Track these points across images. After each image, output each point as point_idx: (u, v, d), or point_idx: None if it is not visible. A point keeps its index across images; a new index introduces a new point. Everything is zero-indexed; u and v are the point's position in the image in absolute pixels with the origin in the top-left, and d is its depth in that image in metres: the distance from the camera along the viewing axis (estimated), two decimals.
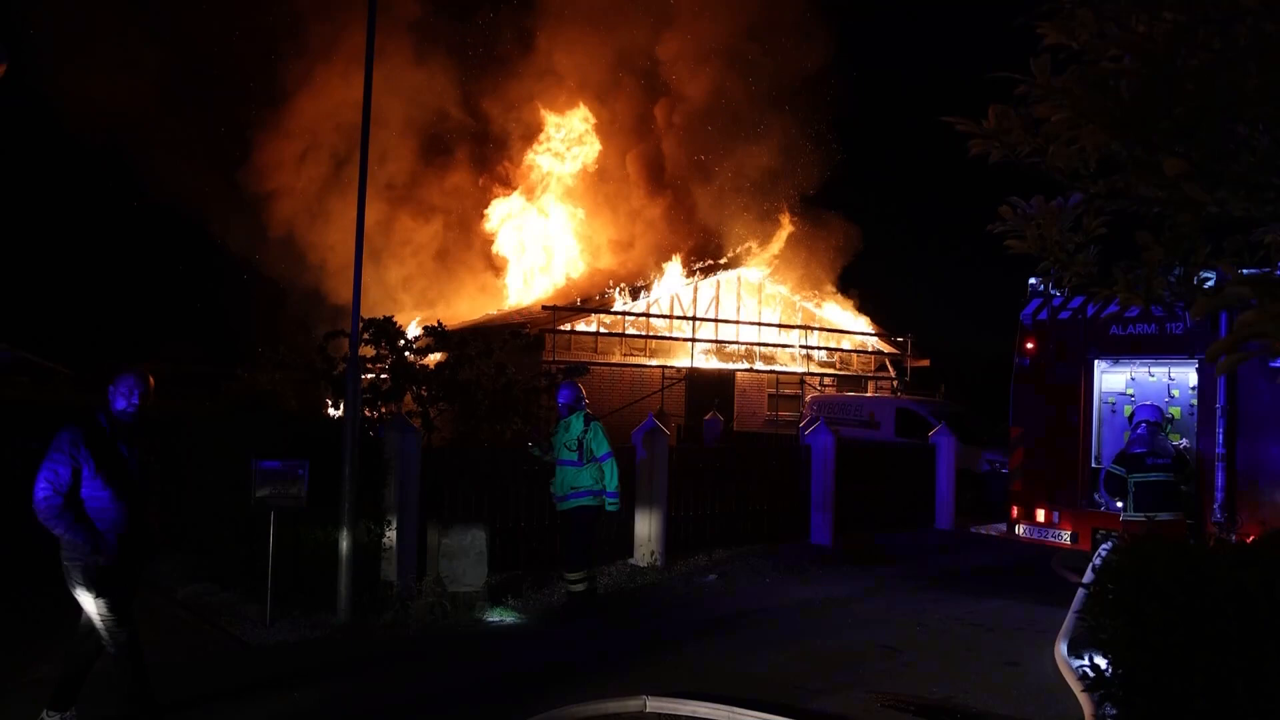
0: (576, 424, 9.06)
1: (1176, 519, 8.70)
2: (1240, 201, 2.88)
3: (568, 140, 34.43)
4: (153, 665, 6.98)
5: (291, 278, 32.37)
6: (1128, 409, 10.76)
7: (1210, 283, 3.38)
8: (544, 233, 34.09)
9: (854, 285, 30.46)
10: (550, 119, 34.51)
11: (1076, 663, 7.13)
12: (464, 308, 32.38)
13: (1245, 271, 3.10)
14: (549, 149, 34.61)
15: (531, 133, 34.76)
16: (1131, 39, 2.72)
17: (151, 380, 5.69)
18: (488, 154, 35.27)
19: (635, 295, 26.06)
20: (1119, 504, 9.18)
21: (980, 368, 26.60)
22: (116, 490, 5.45)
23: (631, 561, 11.23)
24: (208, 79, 32.68)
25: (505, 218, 34.37)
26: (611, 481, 8.95)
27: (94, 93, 30.18)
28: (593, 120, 34.14)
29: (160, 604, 8.83)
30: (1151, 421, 9.02)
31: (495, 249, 34.05)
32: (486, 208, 34.62)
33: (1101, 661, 4.56)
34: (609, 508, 9.01)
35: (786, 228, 29.61)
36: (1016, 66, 2.97)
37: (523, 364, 16.87)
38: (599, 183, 33.96)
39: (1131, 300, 3.33)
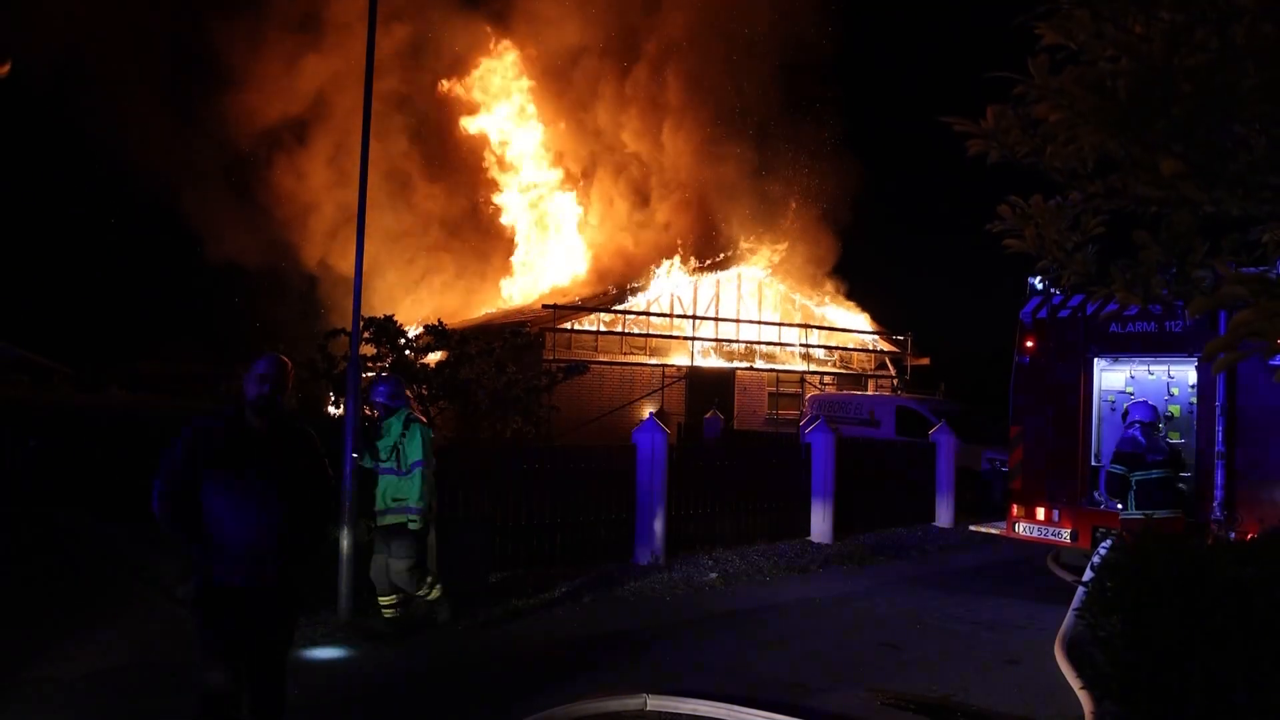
0: (395, 427, 8.11)
1: (1176, 516, 8.71)
2: (1237, 201, 2.89)
3: (568, 140, 34.51)
4: (150, 664, 7.01)
5: (293, 274, 32.42)
6: (1123, 406, 10.79)
7: (1208, 281, 3.39)
8: (543, 233, 34.12)
9: (855, 284, 30.52)
10: (544, 117, 34.62)
11: (1076, 661, 7.15)
12: (465, 305, 32.39)
13: (1243, 270, 3.11)
14: (547, 150, 34.66)
15: (530, 132, 34.81)
16: (1128, 40, 2.73)
17: (290, 365, 4.71)
18: (483, 158, 35.27)
19: (635, 294, 26.07)
20: (1118, 504, 9.17)
21: (980, 366, 26.60)
22: (241, 499, 4.42)
23: (632, 560, 11.25)
24: (205, 68, 32.68)
25: (504, 220, 34.44)
26: (413, 492, 7.90)
27: (94, 86, 30.27)
28: (592, 121, 34.20)
29: (159, 602, 8.85)
30: (1145, 421, 8.98)
31: (495, 248, 34.11)
32: (484, 209, 34.70)
33: (1101, 659, 4.58)
34: (410, 525, 7.93)
35: (787, 227, 29.64)
36: (1015, 66, 2.98)
37: (523, 362, 16.90)
38: (601, 182, 33.98)
39: (1129, 299, 3.34)
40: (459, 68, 34.66)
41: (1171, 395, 10.57)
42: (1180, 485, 9.01)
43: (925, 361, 30.12)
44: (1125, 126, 2.78)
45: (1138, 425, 8.97)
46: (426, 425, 8.35)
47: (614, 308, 25.24)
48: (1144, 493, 8.72)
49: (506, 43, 34.89)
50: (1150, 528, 8.11)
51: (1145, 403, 9.29)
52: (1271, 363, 9.00)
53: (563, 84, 34.64)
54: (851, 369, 29.84)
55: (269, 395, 4.52)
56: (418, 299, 31.72)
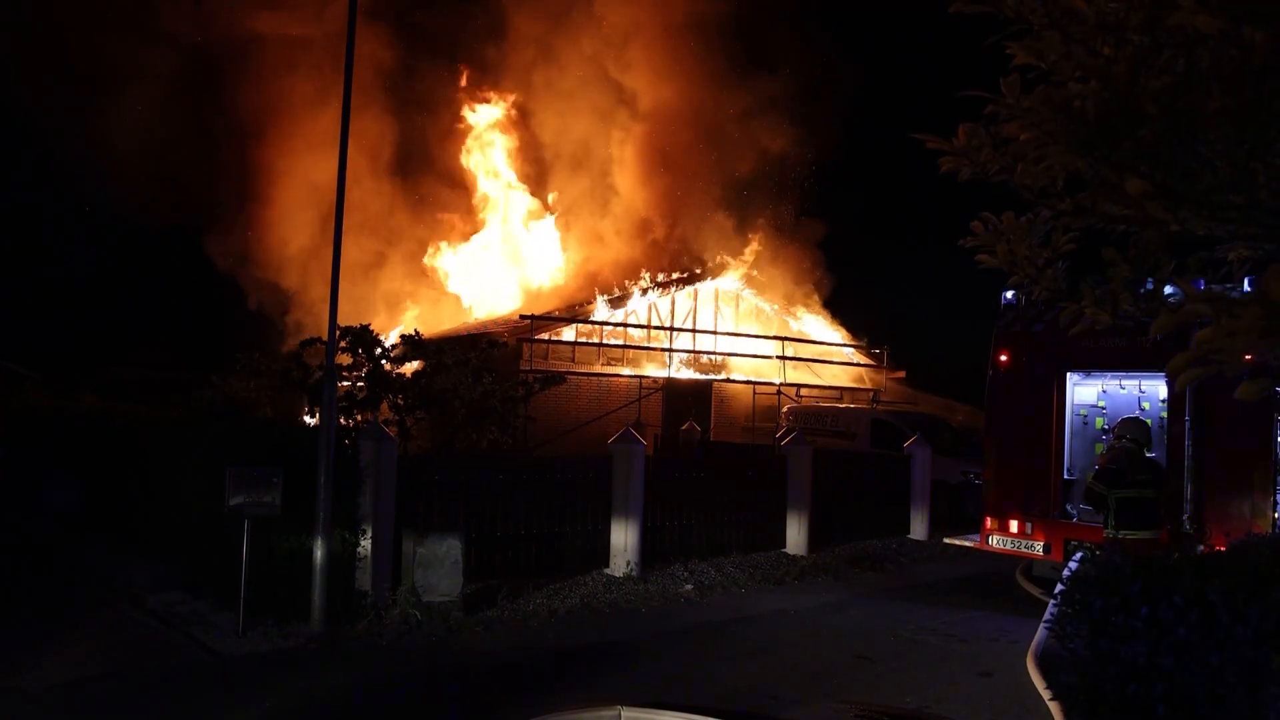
0: None
1: (1157, 536, 8.46)
2: (1202, 220, 2.95)
3: (547, 147, 34.51)
4: (122, 675, 6.94)
5: (268, 282, 32.13)
6: (1099, 420, 10.88)
7: (1175, 299, 3.45)
8: (524, 241, 34.10)
9: (831, 297, 30.67)
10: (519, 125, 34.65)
11: (1048, 673, 7.21)
12: (441, 315, 32.27)
13: (1211, 287, 3.17)
14: (529, 155, 34.68)
15: (507, 141, 34.82)
16: (1095, 62, 2.78)
17: None
18: (469, 164, 35.22)
19: (614, 305, 26.09)
20: (1100, 517, 9.01)
21: (956, 379, 26.80)
22: None
23: (607, 572, 11.23)
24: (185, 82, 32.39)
25: (486, 224, 34.39)
26: None
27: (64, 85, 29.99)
28: (568, 131, 34.20)
29: (131, 613, 8.76)
30: (1136, 439, 8.68)
31: (477, 257, 34.01)
32: (464, 212, 34.62)
33: (1070, 671, 4.63)
34: None
35: (763, 240, 29.77)
36: (987, 86, 3.03)
37: (500, 373, 16.86)
38: (579, 193, 33.97)
39: (1099, 315, 3.40)
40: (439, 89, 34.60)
41: (1143, 410, 10.69)
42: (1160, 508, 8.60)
43: (901, 374, 30.30)
44: (1093, 146, 2.83)
45: (1127, 440, 8.61)
46: None
47: (591, 319, 25.24)
48: (1123, 510, 8.48)
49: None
50: (1135, 546, 7.97)
51: (1136, 419, 8.97)
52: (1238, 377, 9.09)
53: (539, 90, 34.67)
54: (828, 382, 29.97)
55: None
56: (395, 309, 31.59)
